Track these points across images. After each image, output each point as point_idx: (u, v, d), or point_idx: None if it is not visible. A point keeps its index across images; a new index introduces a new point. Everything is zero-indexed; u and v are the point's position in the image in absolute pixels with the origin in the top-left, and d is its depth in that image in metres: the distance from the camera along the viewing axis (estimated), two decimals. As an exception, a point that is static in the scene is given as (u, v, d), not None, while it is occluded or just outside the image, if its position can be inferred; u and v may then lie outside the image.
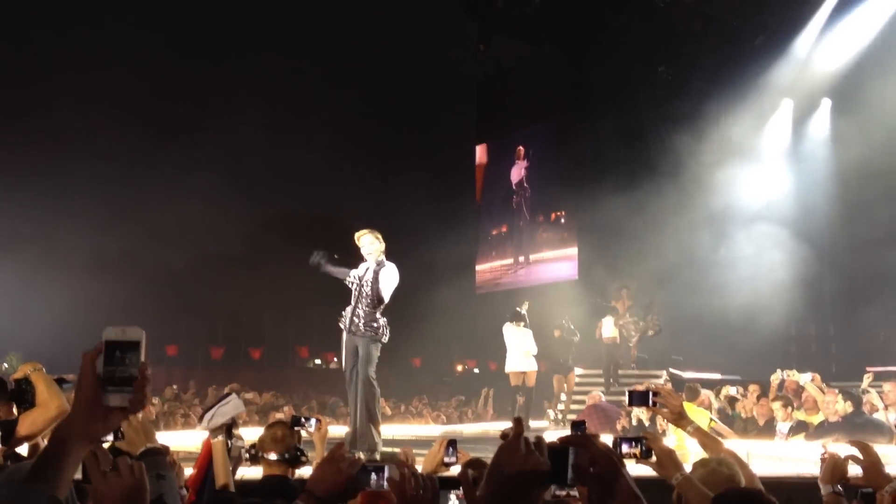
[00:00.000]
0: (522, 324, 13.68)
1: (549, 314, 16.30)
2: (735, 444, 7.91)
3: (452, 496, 2.14)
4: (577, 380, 16.19)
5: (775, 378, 10.89)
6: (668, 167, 20.01)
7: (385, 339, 7.80)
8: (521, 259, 27.15)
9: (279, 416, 12.32)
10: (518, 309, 14.06)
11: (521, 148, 27.17)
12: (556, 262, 25.77)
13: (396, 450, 7.05)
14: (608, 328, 16.52)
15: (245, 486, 4.58)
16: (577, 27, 23.09)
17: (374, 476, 2.17)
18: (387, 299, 7.87)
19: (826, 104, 21.41)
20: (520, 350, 13.43)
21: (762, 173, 21.01)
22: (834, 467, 3.16)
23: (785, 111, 21.51)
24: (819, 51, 20.01)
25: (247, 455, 4.34)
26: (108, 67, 28.57)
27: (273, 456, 4.16)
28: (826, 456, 3.30)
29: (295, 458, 4.21)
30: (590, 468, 1.79)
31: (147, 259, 29.01)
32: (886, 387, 8.22)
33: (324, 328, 37.02)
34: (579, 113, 24.69)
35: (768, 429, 8.32)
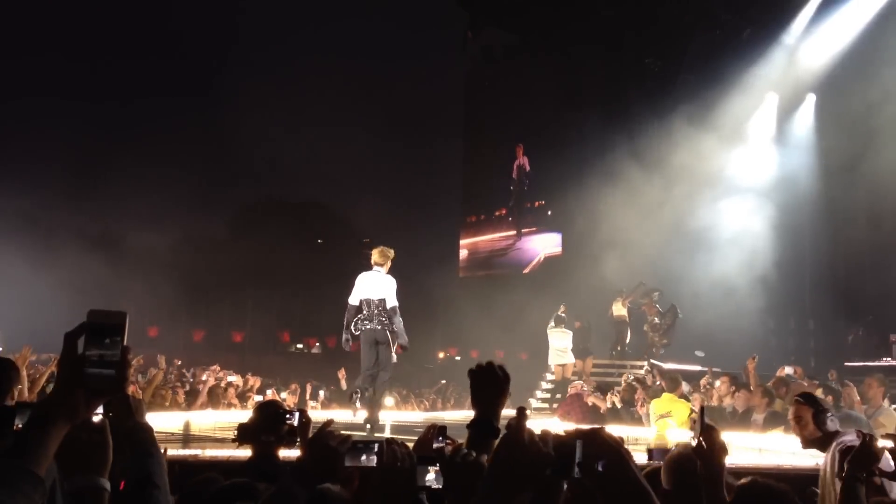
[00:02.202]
0: (562, 325, 15.42)
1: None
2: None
3: (431, 471, 2.13)
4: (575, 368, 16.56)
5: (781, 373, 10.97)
6: (653, 159, 20.09)
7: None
8: (517, 234, 27.68)
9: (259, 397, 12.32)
10: (559, 313, 15.66)
11: (520, 145, 27.42)
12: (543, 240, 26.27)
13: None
14: (617, 308, 17.60)
15: (232, 466, 4.48)
16: (567, 18, 23.09)
17: (364, 455, 2.17)
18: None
19: (811, 99, 21.48)
20: (555, 348, 15.42)
21: (746, 167, 21.10)
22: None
23: (770, 105, 21.57)
24: (805, 46, 20.10)
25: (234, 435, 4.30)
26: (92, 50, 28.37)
27: (261, 436, 4.09)
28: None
29: (284, 438, 4.11)
30: (597, 463, 1.75)
31: (129, 241, 28.86)
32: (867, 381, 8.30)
33: (306, 313, 37.07)
34: (567, 103, 24.74)
35: (745, 419, 8.39)
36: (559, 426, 10.60)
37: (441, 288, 27.64)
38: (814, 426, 4.30)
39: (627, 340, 17.41)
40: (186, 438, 7.63)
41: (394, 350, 8.99)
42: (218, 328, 31.98)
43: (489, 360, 2.43)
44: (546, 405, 15.13)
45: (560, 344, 15.38)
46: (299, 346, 36.02)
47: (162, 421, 8.07)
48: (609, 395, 10.90)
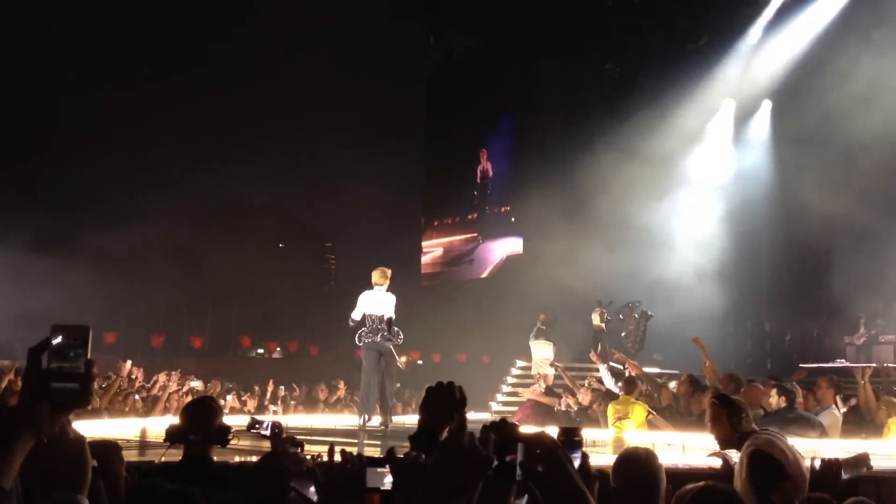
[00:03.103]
0: (543, 338, 15.73)
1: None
2: (673, 437, 8.09)
3: (388, 475, 2.16)
4: (519, 371, 16.74)
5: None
6: (612, 163, 20.29)
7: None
8: (480, 238, 27.72)
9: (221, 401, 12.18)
10: (540, 326, 15.97)
11: (484, 150, 27.48)
12: (505, 245, 26.36)
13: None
14: (595, 319, 18.35)
15: (164, 468, 4.18)
16: (527, 23, 23.22)
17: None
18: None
19: (766, 105, 21.81)
20: (537, 360, 15.57)
21: (704, 173, 21.39)
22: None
23: (727, 111, 21.87)
24: (762, 54, 20.39)
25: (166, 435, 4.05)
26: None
27: (189, 436, 3.93)
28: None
29: (214, 437, 3.97)
30: (538, 464, 1.78)
31: (87, 245, 28.46)
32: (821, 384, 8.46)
33: (267, 317, 36.85)
34: (527, 108, 24.89)
35: (701, 421, 8.50)
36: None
37: (403, 291, 27.62)
38: (729, 427, 4.42)
39: (600, 349, 17.56)
40: (143, 445, 7.56)
41: (401, 361, 10.29)
42: (177, 333, 31.62)
43: (451, 381, 2.44)
44: (507, 408, 15.21)
45: (542, 356, 15.61)
46: (260, 350, 35.76)
47: (120, 428, 7.98)
48: (563, 397, 11.00)
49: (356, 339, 10.05)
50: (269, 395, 14.56)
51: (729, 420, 4.43)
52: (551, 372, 15.19)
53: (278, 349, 34.76)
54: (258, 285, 34.94)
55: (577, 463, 2.06)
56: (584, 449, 2.16)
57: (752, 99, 21.45)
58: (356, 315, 10.08)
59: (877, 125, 16.48)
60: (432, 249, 29.80)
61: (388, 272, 10.33)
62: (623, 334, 18.28)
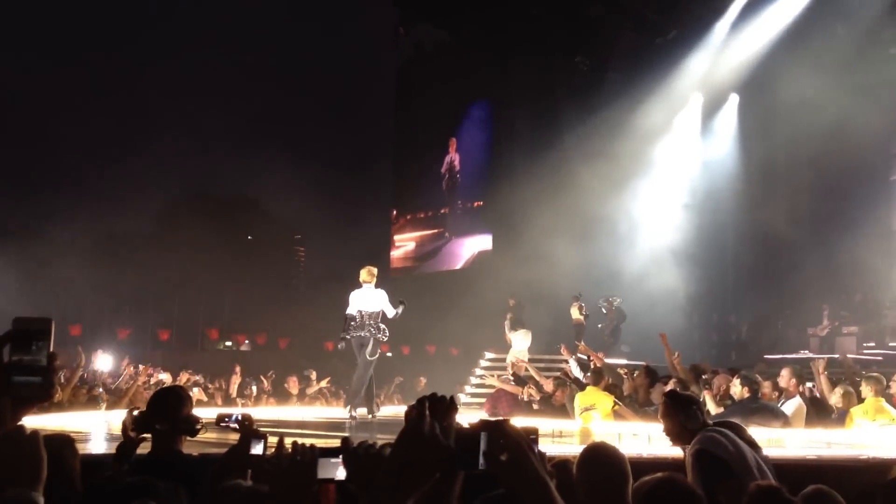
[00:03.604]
0: (520, 328, 15.60)
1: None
2: (639, 427, 8.15)
3: (341, 465, 2.14)
4: (488, 363, 16.78)
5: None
6: (581, 156, 20.38)
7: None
8: (447, 234, 27.65)
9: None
10: (511, 314, 16.17)
11: (453, 139, 27.34)
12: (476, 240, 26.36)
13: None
14: (574, 313, 18.62)
15: (131, 463, 3.90)
16: (497, 16, 23.21)
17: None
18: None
19: (734, 99, 22.03)
20: (514, 350, 15.43)
21: (671, 167, 21.57)
22: None
23: (695, 104, 22.04)
24: (729, 48, 20.56)
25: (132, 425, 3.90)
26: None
27: (163, 426, 3.82)
28: None
29: (182, 427, 3.87)
30: (501, 454, 1.76)
31: (52, 237, 28.09)
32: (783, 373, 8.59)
33: (235, 310, 36.63)
34: (498, 101, 24.89)
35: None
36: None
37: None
38: (679, 423, 4.47)
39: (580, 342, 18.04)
40: (109, 438, 7.46)
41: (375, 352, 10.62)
42: (143, 326, 31.31)
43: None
44: (475, 399, 15.26)
45: (519, 346, 15.71)
46: (228, 343, 35.51)
47: (84, 421, 7.88)
48: (525, 388, 11.05)
49: (344, 333, 10.60)
50: (234, 385, 14.40)
51: (679, 416, 4.47)
52: (526, 359, 15.35)
53: (246, 342, 34.56)
54: (227, 278, 34.70)
55: None
56: (539, 448, 2.15)
57: (720, 92, 21.66)
58: (350, 311, 10.64)
59: (836, 120, 16.71)
60: (405, 244, 29.74)
61: (374, 270, 10.96)
62: (600, 326, 18.63)
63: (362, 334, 10.52)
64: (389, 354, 33.49)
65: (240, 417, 3.73)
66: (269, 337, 31.78)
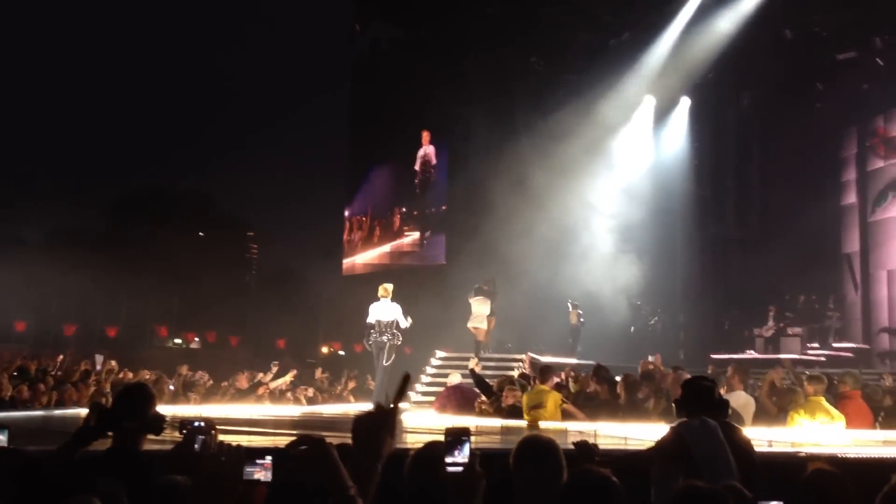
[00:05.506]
0: (481, 295, 17.19)
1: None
2: (586, 425, 8.25)
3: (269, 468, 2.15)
4: (439, 362, 16.83)
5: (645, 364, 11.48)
6: (537, 156, 20.47)
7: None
8: (405, 232, 27.39)
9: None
10: (480, 286, 17.42)
11: (426, 132, 26.98)
12: (428, 247, 26.17)
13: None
14: (572, 317, 19.04)
15: (89, 459, 3.74)
16: (453, 14, 23.18)
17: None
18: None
19: (685, 102, 22.24)
20: (474, 314, 17.06)
21: (623, 166, 21.74)
22: None
23: (648, 106, 22.21)
24: (680, 50, 20.72)
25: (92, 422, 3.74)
26: None
27: (131, 423, 3.70)
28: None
29: (155, 427, 3.77)
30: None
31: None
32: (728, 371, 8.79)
33: (185, 307, 36.15)
34: (454, 99, 24.82)
35: (608, 407, 8.76)
36: (436, 419, 10.72)
37: (324, 282, 27.38)
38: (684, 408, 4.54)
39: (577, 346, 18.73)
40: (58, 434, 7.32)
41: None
42: (90, 322, 30.77)
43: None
44: (426, 398, 15.25)
45: (478, 310, 17.08)
46: (177, 340, 35.08)
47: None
48: (477, 402, 10.94)
49: (365, 339, 13.09)
50: (181, 381, 14.14)
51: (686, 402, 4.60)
52: (484, 326, 16.98)
53: (196, 339, 34.17)
54: (177, 274, 34.25)
55: (464, 461, 2.10)
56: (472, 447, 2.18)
57: (672, 94, 21.85)
58: (370, 320, 13.05)
59: (784, 124, 17.04)
60: (357, 243, 29.46)
61: (389, 287, 13.22)
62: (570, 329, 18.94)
63: (381, 339, 12.89)
64: (342, 353, 33.46)
65: (203, 425, 3.62)
66: (219, 334, 31.47)
